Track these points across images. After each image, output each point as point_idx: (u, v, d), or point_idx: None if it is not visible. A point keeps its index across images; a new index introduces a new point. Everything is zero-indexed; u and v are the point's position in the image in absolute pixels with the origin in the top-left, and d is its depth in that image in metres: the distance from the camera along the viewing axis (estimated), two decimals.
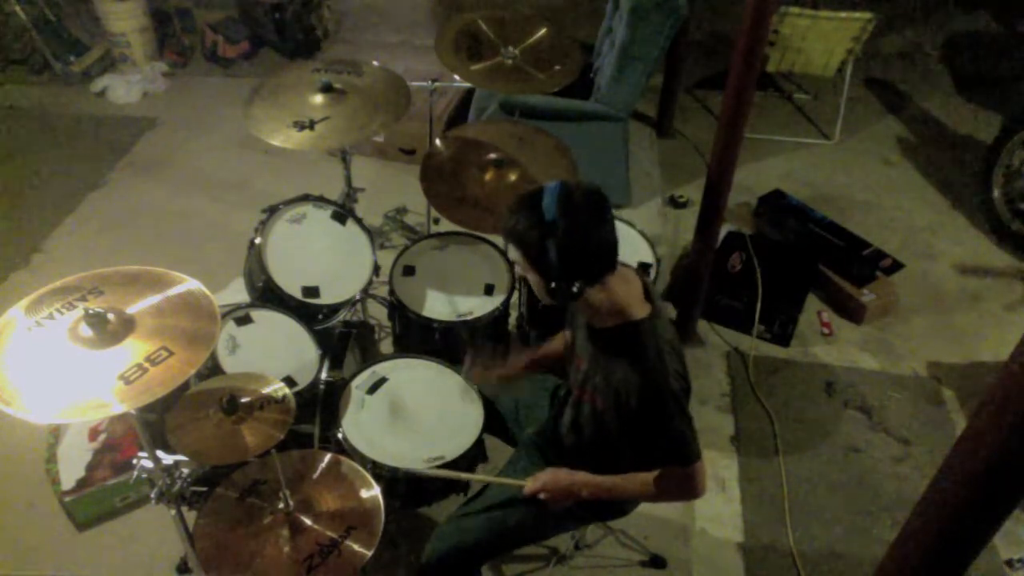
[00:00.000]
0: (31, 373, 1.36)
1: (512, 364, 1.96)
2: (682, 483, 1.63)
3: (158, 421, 1.78)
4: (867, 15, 3.72)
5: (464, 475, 1.91)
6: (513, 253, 1.55)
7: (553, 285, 1.50)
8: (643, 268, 2.46)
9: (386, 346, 2.83)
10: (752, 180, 3.85)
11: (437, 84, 2.83)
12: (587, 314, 1.63)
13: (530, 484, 1.71)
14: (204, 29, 4.71)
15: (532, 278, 1.55)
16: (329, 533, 1.63)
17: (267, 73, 2.63)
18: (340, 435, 1.95)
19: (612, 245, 1.51)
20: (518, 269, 1.58)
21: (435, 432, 1.98)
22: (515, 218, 1.49)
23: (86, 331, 1.41)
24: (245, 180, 3.81)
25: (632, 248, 2.53)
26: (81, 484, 2.33)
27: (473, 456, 1.96)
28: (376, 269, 2.45)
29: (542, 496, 1.70)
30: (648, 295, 1.61)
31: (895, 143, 4.31)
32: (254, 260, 2.34)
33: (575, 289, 1.49)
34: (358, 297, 2.41)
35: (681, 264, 3.39)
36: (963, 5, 5.36)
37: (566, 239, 1.44)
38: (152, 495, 1.68)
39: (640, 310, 1.57)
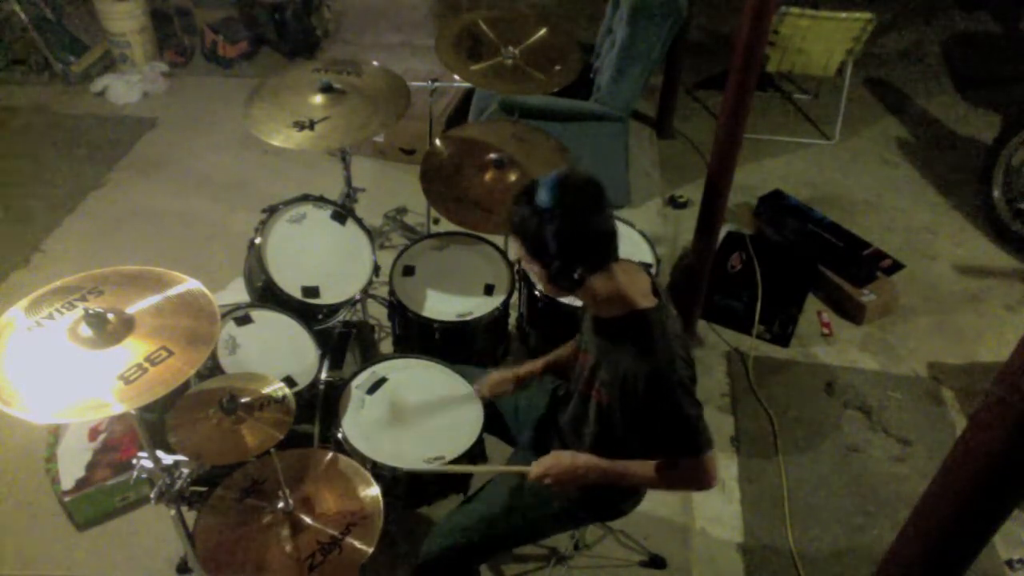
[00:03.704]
0: (31, 373, 1.36)
1: (526, 370, 1.97)
2: (692, 473, 1.61)
3: (158, 421, 1.78)
4: (867, 15, 3.72)
5: (466, 467, 1.91)
6: (515, 246, 1.56)
7: (554, 272, 1.51)
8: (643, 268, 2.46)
9: (386, 346, 2.83)
10: (752, 180, 3.85)
11: (437, 84, 2.84)
12: (592, 304, 1.64)
13: (535, 468, 1.71)
14: (204, 29, 4.71)
15: (535, 269, 1.56)
16: (330, 531, 1.63)
17: (267, 73, 2.63)
18: (340, 435, 1.95)
19: (610, 232, 1.52)
20: (523, 262, 1.59)
21: (435, 432, 1.98)
22: (514, 209, 1.52)
23: (86, 331, 1.41)
24: (245, 180, 3.81)
25: (632, 248, 2.54)
26: (81, 484, 2.33)
27: (473, 456, 1.95)
28: (376, 269, 2.45)
29: (547, 481, 1.70)
30: (654, 289, 1.62)
31: (895, 143, 4.31)
32: (254, 260, 2.34)
33: (576, 276, 1.51)
34: (358, 297, 2.41)
35: (681, 264, 3.39)
36: (963, 5, 5.37)
37: (563, 225, 1.46)
38: (152, 495, 1.68)
39: (646, 301, 1.58)
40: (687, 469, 1.61)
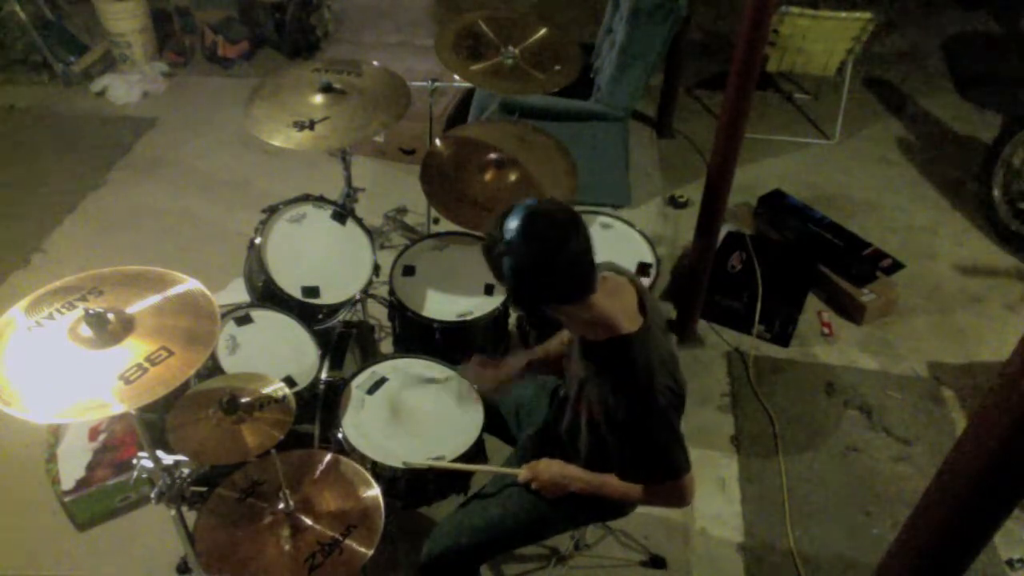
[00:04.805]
0: (31, 373, 1.36)
1: (511, 366, 1.96)
2: (670, 494, 1.66)
3: (158, 421, 1.78)
4: (867, 15, 3.72)
5: (460, 465, 1.91)
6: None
7: (516, 303, 1.53)
8: (643, 268, 2.46)
9: (386, 346, 2.83)
10: (752, 180, 3.84)
11: (437, 84, 2.84)
12: (573, 328, 1.63)
13: (524, 472, 1.76)
14: (204, 29, 4.71)
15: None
16: (330, 532, 1.63)
17: (267, 73, 2.63)
18: (340, 435, 1.95)
19: (578, 269, 1.44)
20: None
21: (435, 432, 1.98)
22: (487, 236, 1.48)
23: (86, 331, 1.41)
24: (245, 180, 3.81)
25: (632, 248, 2.54)
26: (81, 484, 2.33)
27: (473, 456, 1.96)
28: (376, 269, 2.45)
29: (534, 485, 1.75)
30: (642, 306, 1.58)
31: (895, 143, 4.31)
32: (254, 260, 2.34)
33: (540, 311, 1.49)
34: (358, 297, 2.41)
35: (681, 264, 3.39)
36: (963, 5, 5.37)
37: (520, 262, 1.42)
38: (152, 495, 1.68)
39: (631, 323, 1.54)
40: (666, 490, 1.64)
